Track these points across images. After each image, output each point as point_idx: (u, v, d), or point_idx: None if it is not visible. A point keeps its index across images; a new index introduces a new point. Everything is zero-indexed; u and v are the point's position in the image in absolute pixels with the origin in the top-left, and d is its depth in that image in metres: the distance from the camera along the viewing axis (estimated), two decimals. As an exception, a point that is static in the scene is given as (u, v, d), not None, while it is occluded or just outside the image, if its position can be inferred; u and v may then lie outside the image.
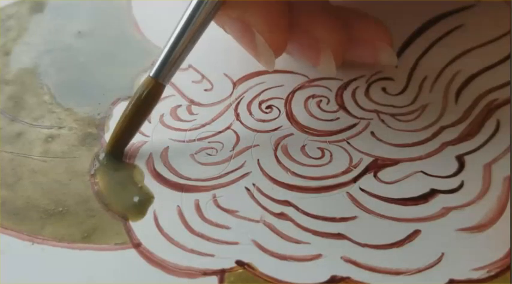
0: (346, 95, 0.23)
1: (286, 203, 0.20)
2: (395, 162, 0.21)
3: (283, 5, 0.21)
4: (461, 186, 0.20)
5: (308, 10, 0.22)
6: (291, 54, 0.23)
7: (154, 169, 0.21)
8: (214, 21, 0.21)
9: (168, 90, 0.24)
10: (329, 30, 0.22)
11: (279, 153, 0.21)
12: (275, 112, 0.23)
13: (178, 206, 0.20)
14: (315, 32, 0.22)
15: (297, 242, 0.19)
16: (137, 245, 0.19)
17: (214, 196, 0.20)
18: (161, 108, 0.23)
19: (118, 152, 0.21)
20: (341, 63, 0.23)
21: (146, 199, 0.20)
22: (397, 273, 0.18)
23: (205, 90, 0.24)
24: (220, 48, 0.25)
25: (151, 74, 0.20)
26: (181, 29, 0.20)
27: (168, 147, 0.22)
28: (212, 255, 0.19)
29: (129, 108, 0.21)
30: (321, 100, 0.23)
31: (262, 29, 0.21)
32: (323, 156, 0.21)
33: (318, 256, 0.18)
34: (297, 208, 0.20)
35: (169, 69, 0.20)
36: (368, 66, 0.23)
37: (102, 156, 0.21)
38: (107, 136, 0.22)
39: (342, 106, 0.23)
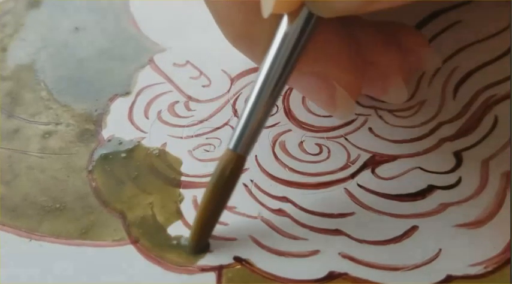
0: (344, 91, 0.23)
1: (284, 199, 0.20)
2: (393, 158, 0.21)
3: (351, 45, 0.19)
4: (458, 182, 0.20)
5: (367, 41, 0.20)
6: None
7: (153, 165, 0.21)
8: None
9: (165, 86, 0.24)
10: (392, 55, 0.20)
11: (277, 149, 0.21)
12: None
13: (176, 202, 0.20)
14: (380, 61, 0.20)
15: (295, 238, 0.19)
16: (135, 242, 0.19)
17: (212, 193, 0.20)
18: (159, 104, 0.23)
19: (205, 240, 0.19)
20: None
21: (144, 196, 0.20)
22: (395, 269, 0.18)
23: (203, 86, 0.24)
24: (218, 44, 0.25)
25: (230, 147, 0.18)
26: (257, 95, 0.18)
27: (165, 143, 0.22)
28: (210, 251, 0.19)
29: (212, 187, 0.18)
30: (318, 96, 0.23)
31: (341, 79, 0.19)
32: (321, 152, 0.21)
33: (316, 252, 0.18)
34: (295, 204, 0.20)
35: (250, 140, 0.18)
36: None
37: (185, 243, 0.19)
38: (105, 133, 0.22)
39: (340, 102, 0.23)
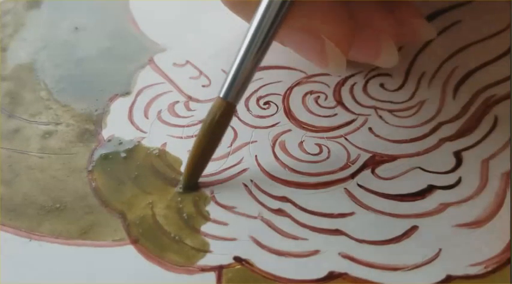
0: (344, 91, 0.23)
1: (284, 199, 0.20)
2: (393, 158, 0.21)
3: (343, 5, 0.20)
4: (458, 181, 0.20)
5: (361, 6, 0.21)
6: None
7: (153, 165, 0.21)
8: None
9: (165, 86, 0.24)
10: (385, 21, 0.21)
11: (277, 149, 0.21)
12: (273, 108, 0.23)
13: (176, 202, 0.20)
14: (373, 24, 0.21)
15: (295, 238, 0.19)
16: (135, 242, 0.19)
17: (212, 193, 0.20)
18: (159, 104, 0.23)
19: (195, 180, 0.20)
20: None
21: (144, 196, 0.20)
22: (395, 269, 0.18)
23: (203, 86, 0.24)
24: (218, 44, 0.25)
25: (221, 95, 0.19)
26: (247, 46, 0.19)
27: (165, 143, 0.22)
28: (210, 251, 0.19)
29: (203, 132, 0.20)
30: (318, 96, 0.23)
31: (330, 34, 0.20)
32: (321, 152, 0.21)
33: (316, 252, 0.18)
34: (295, 204, 0.20)
35: (239, 89, 0.19)
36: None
37: (179, 186, 0.20)
38: (105, 133, 0.22)
39: (340, 102, 0.23)
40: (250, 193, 0.20)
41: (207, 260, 0.18)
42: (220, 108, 0.19)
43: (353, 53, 0.21)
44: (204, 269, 0.18)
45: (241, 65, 0.19)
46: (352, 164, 0.21)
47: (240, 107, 0.23)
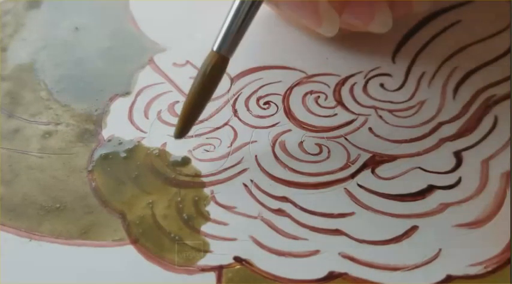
0: (344, 91, 0.23)
1: (284, 199, 0.20)
2: (393, 158, 0.21)
3: None
4: (458, 182, 0.20)
5: None
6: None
7: (153, 165, 0.21)
8: (267, 2, 0.21)
9: (165, 86, 0.24)
10: None
11: (277, 149, 0.21)
12: (273, 108, 0.23)
13: (176, 202, 0.20)
14: None
15: (295, 238, 0.19)
16: (135, 242, 0.19)
17: (212, 193, 0.20)
18: (159, 104, 0.23)
19: (186, 132, 0.21)
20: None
21: (144, 196, 0.20)
22: (395, 269, 0.18)
23: (203, 86, 0.24)
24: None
25: (214, 48, 0.20)
26: (240, 2, 0.20)
27: (165, 143, 0.22)
28: (210, 251, 0.19)
29: (195, 85, 0.20)
30: (318, 96, 0.23)
31: None
32: (321, 152, 0.21)
33: (316, 252, 0.18)
34: (295, 204, 0.20)
35: (232, 42, 0.20)
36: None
37: (171, 135, 0.21)
38: (105, 133, 0.22)
39: (340, 102, 0.23)
40: (250, 193, 0.20)
41: (207, 260, 0.18)
42: (212, 60, 0.20)
43: (346, 16, 0.22)
44: (204, 269, 0.18)
45: (235, 19, 0.20)
46: (352, 164, 0.21)
47: (240, 107, 0.23)
